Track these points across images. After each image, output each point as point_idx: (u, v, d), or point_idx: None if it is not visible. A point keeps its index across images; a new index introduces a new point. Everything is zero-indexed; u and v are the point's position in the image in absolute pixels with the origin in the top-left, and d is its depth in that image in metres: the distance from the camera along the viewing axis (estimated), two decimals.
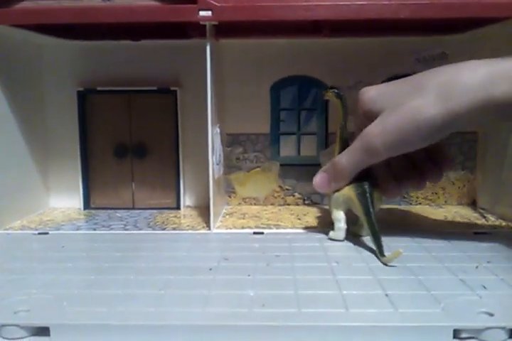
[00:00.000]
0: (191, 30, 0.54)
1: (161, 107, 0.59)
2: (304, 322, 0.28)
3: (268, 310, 0.30)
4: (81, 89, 0.59)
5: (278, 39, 0.59)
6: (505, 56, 0.38)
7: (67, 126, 0.60)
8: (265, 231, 0.49)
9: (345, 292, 0.32)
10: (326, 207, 0.62)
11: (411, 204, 0.62)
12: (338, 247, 0.43)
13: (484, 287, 0.33)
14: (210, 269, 0.37)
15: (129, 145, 0.60)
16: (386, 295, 0.32)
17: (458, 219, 0.54)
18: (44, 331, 0.28)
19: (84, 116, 0.60)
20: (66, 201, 0.62)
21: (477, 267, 0.37)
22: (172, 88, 0.59)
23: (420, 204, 0.62)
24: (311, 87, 0.61)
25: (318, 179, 0.46)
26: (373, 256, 0.41)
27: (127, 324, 0.28)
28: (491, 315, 0.29)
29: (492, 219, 0.53)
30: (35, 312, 0.30)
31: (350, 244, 0.44)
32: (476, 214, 0.56)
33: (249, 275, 0.36)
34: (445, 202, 0.62)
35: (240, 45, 0.59)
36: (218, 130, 0.53)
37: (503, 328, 0.28)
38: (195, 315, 0.29)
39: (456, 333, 0.28)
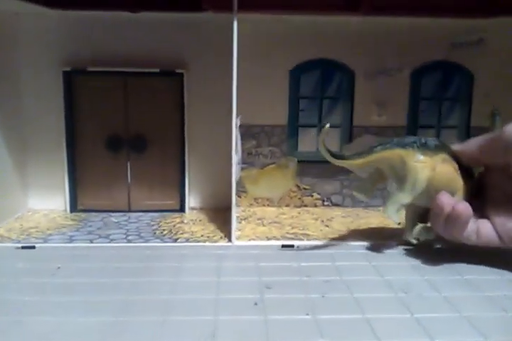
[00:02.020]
0: (206, 1, 0.45)
1: (164, 93, 0.50)
2: None
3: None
4: (67, 69, 0.49)
5: (301, 16, 0.51)
6: None
7: (49, 114, 0.50)
8: (294, 243, 0.42)
9: None
10: (349, 209, 0.56)
11: None
12: (392, 267, 0.37)
13: None
14: (256, 304, 0.30)
15: (124, 138, 0.51)
16: None
17: None
18: None
19: (71, 102, 0.50)
20: (48, 202, 0.52)
21: None
22: (177, 70, 0.50)
23: None
24: (335, 72, 0.54)
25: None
26: (438, 279, 0.34)
27: None
28: None
29: None
30: None
31: (404, 263, 0.38)
32: None
33: (307, 315, 0.29)
34: None
35: (255, 21, 0.51)
36: (239, 122, 0.45)
37: None
38: None
39: None
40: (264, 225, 0.48)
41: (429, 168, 0.39)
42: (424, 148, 0.39)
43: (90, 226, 0.47)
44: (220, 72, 0.48)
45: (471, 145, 0.40)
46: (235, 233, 0.42)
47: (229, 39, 0.47)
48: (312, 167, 0.55)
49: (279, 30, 0.52)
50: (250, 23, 0.51)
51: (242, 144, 0.53)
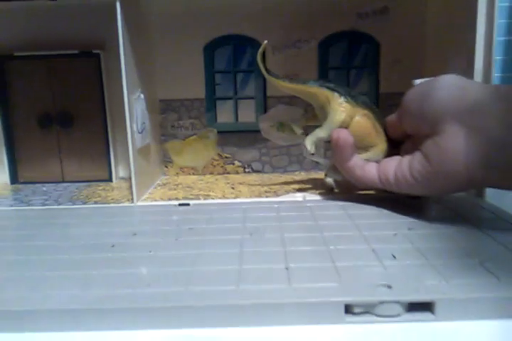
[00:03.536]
0: None
1: (84, 72, 0.55)
2: (189, 302, 0.26)
3: (153, 289, 0.28)
4: None
5: None
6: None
7: None
8: (192, 202, 0.47)
9: (244, 266, 0.30)
10: (266, 174, 0.60)
11: None
12: (261, 218, 0.41)
13: (394, 257, 0.31)
14: (113, 246, 0.35)
15: (53, 115, 0.56)
16: (286, 268, 0.30)
17: None
18: None
19: (3, 85, 0.55)
20: None
21: (395, 234, 0.35)
22: (95, 51, 0.54)
23: None
24: (247, 47, 0.57)
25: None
26: (290, 224, 0.38)
27: None
28: (390, 287, 0.27)
29: None
30: None
31: (273, 214, 0.42)
32: None
33: (150, 252, 0.33)
34: None
35: (170, 1, 0.55)
36: (141, 95, 0.49)
37: (397, 302, 0.26)
38: (73, 299, 0.27)
39: (348, 308, 0.26)
40: (175, 190, 0.53)
41: (347, 114, 0.43)
42: (350, 98, 0.44)
43: (19, 194, 0.52)
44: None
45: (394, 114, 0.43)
46: (136, 195, 0.47)
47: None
48: (231, 136, 0.59)
49: (192, 9, 0.56)
50: (163, 2, 0.55)
51: (163, 116, 0.58)
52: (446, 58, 0.51)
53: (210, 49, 0.57)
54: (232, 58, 0.57)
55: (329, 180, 0.49)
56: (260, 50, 0.45)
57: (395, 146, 0.45)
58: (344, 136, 0.42)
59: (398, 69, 0.57)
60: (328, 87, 0.44)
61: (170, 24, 0.56)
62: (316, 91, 0.44)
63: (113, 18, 0.54)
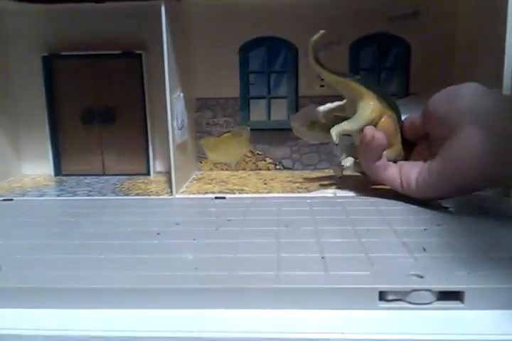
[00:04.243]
0: None
1: (127, 71, 0.58)
2: (231, 285, 0.29)
3: (201, 273, 0.30)
4: (45, 54, 0.58)
5: None
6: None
7: (33, 93, 0.60)
8: (228, 196, 0.49)
9: (283, 255, 0.33)
10: (297, 171, 0.62)
11: None
12: (294, 212, 0.43)
13: (424, 249, 0.33)
14: (158, 234, 0.38)
15: (96, 111, 0.59)
16: (322, 257, 0.32)
17: None
18: None
19: (50, 82, 0.59)
20: (38, 168, 0.62)
21: (425, 229, 0.37)
22: (137, 51, 0.57)
23: None
24: (280, 48, 0.59)
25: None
26: (323, 218, 0.40)
27: (60, 287, 0.29)
28: (421, 277, 0.29)
29: None
30: None
31: (306, 208, 0.44)
32: None
33: (194, 240, 0.36)
34: None
35: (205, 5, 0.57)
36: (181, 94, 0.52)
37: (428, 290, 0.28)
38: (128, 279, 0.30)
39: (382, 295, 0.28)
40: (211, 184, 0.55)
41: (377, 114, 0.46)
42: (384, 99, 0.46)
43: (64, 185, 0.56)
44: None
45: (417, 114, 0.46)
46: (175, 188, 0.50)
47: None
48: (264, 134, 0.62)
49: (227, 12, 0.58)
50: (202, 7, 0.58)
51: (199, 114, 0.61)
52: (475, 61, 0.53)
53: (245, 50, 0.60)
54: (266, 59, 0.60)
55: (337, 170, 0.52)
56: (315, 38, 0.47)
57: (408, 147, 0.48)
58: (379, 136, 0.44)
59: (428, 71, 0.58)
60: (365, 85, 0.46)
61: (208, 27, 0.59)
62: (353, 85, 0.47)
63: (154, 20, 0.57)
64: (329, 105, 0.50)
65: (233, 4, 0.58)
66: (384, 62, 0.59)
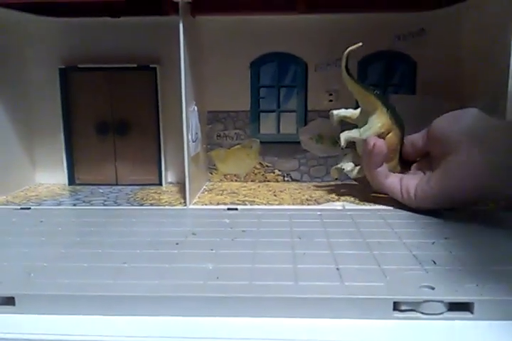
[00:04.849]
0: (167, 7, 0.54)
1: (142, 84, 0.60)
2: (252, 294, 0.30)
3: (222, 282, 0.32)
4: (62, 66, 0.60)
5: (255, 16, 0.59)
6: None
7: (50, 104, 0.61)
8: (239, 207, 0.51)
9: (299, 266, 0.34)
10: (305, 183, 0.63)
11: None
12: (306, 223, 0.45)
13: (434, 262, 0.35)
14: (177, 244, 0.39)
15: (110, 123, 0.61)
16: (337, 269, 0.33)
17: None
18: (10, 301, 0.30)
19: (66, 94, 0.60)
20: (52, 177, 0.64)
21: (433, 243, 0.39)
22: (152, 65, 0.59)
23: None
24: (290, 63, 0.61)
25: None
26: (334, 230, 0.42)
27: (87, 295, 0.30)
28: (433, 288, 0.30)
29: None
30: (3, 283, 0.31)
31: (317, 220, 0.45)
32: None
33: (212, 250, 0.37)
34: None
35: (218, 21, 0.59)
36: (195, 107, 0.54)
37: (440, 301, 0.29)
38: (153, 287, 0.31)
39: (396, 305, 0.29)
40: (222, 195, 0.57)
41: (385, 129, 0.50)
42: (393, 115, 0.50)
43: (79, 195, 0.57)
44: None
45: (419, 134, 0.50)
46: (189, 199, 0.51)
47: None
48: (273, 147, 0.63)
49: (239, 29, 0.60)
50: (215, 23, 0.60)
51: (210, 126, 0.63)
52: (480, 78, 0.55)
53: (257, 65, 0.61)
54: (276, 74, 0.62)
55: (335, 171, 0.55)
56: (351, 48, 0.50)
57: (406, 163, 0.52)
58: (380, 143, 0.48)
59: (433, 88, 0.60)
60: (381, 100, 0.50)
61: (220, 42, 0.60)
62: (371, 99, 0.50)
63: (168, 35, 0.60)
64: (343, 111, 0.53)
65: (245, 21, 0.60)
66: (391, 78, 0.61)
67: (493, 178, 0.42)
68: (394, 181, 0.49)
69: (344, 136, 0.52)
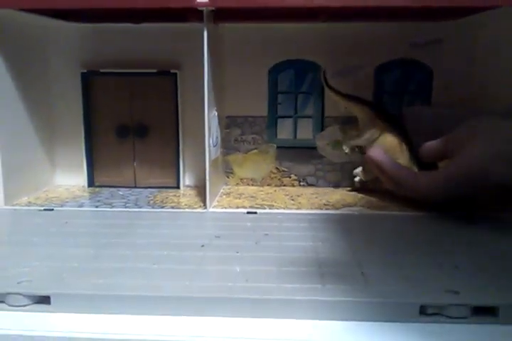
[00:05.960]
0: (190, 14, 0.55)
1: (162, 89, 0.61)
2: (282, 296, 0.31)
3: (251, 284, 0.32)
4: (85, 71, 0.61)
5: (276, 23, 0.60)
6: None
7: (71, 107, 0.62)
8: (258, 211, 0.52)
9: (324, 269, 0.35)
10: (321, 188, 0.64)
11: None
12: (326, 228, 0.45)
13: (457, 267, 0.35)
14: (202, 246, 0.40)
15: (130, 126, 0.62)
16: (362, 273, 0.34)
17: None
18: (45, 299, 0.31)
19: (87, 97, 0.62)
20: (71, 179, 0.64)
21: (454, 250, 0.39)
22: (172, 71, 0.60)
23: None
24: (308, 70, 0.62)
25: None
26: (354, 235, 0.43)
27: (121, 294, 0.31)
28: (457, 293, 0.31)
29: None
30: (37, 283, 0.32)
31: (337, 225, 0.46)
32: None
33: (237, 253, 0.38)
34: None
35: (238, 29, 0.60)
36: (216, 113, 0.55)
37: (465, 305, 0.30)
38: (183, 288, 0.32)
39: (422, 309, 0.30)
40: (240, 198, 0.57)
41: (381, 138, 0.55)
42: (390, 125, 0.55)
43: (100, 196, 0.58)
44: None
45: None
46: (209, 202, 0.52)
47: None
48: (289, 152, 0.64)
49: (259, 36, 0.61)
50: (236, 30, 0.61)
51: (228, 131, 0.64)
52: (496, 85, 0.56)
53: (275, 72, 0.62)
54: (294, 81, 0.62)
55: (356, 182, 0.61)
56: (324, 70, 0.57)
57: (426, 166, 0.53)
58: (369, 154, 0.52)
59: (449, 96, 0.61)
60: (378, 110, 0.56)
61: (240, 49, 0.61)
62: (365, 110, 0.57)
63: (189, 41, 0.61)
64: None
65: (264, 29, 0.61)
66: (407, 86, 0.62)
67: (497, 162, 0.44)
68: (404, 168, 0.51)
69: (347, 144, 0.59)
